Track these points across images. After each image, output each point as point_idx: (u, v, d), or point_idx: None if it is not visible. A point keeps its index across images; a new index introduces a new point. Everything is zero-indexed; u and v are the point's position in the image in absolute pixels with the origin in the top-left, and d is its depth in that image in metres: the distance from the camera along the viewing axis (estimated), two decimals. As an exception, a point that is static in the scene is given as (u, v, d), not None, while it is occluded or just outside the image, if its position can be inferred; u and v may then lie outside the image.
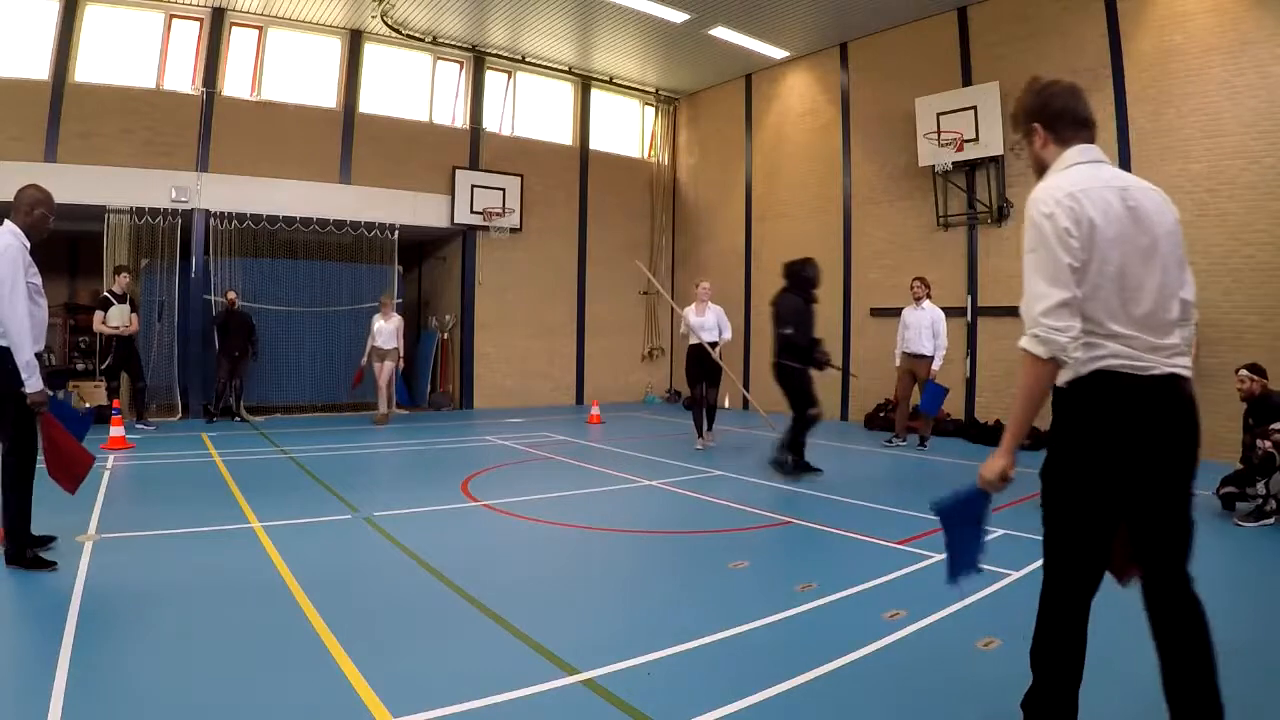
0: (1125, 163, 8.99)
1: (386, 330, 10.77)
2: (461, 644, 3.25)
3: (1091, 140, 2.23)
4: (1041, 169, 2.27)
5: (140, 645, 3.15)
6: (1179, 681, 2.04)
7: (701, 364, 8.71)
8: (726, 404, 14.16)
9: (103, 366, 9.59)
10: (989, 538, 2.59)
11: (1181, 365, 2.09)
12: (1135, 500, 2.10)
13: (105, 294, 9.59)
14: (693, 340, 8.72)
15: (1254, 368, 5.73)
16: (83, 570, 3.99)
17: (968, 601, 3.62)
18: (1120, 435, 2.05)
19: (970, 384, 10.45)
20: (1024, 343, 2.08)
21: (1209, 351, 8.06)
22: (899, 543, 4.86)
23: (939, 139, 10.26)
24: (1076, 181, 2.10)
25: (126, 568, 4.11)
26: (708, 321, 8.75)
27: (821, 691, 2.79)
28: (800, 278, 7.08)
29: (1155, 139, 8.77)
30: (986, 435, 9.48)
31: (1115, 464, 2.06)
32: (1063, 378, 2.11)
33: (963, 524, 2.38)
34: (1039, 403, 2.11)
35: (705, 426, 8.87)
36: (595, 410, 11.78)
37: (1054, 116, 2.22)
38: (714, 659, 3.08)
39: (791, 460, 6.95)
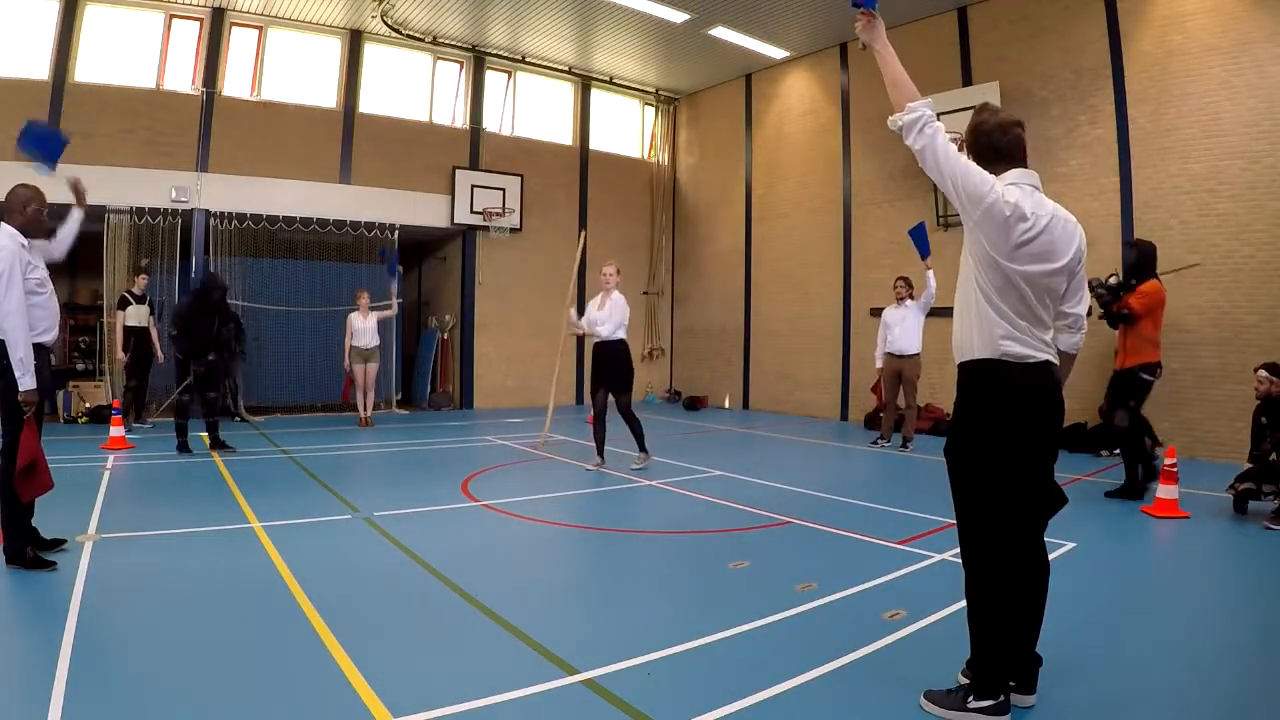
0: (1125, 162, 9.00)
1: (368, 329, 10.61)
2: (461, 644, 3.25)
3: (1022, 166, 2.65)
4: None
5: (140, 645, 3.15)
6: (1031, 618, 2.59)
7: (606, 366, 7.50)
8: (727, 404, 14.18)
9: (125, 364, 9.60)
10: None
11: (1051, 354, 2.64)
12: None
13: (124, 293, 9.66)
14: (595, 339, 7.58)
15: (1273, 368, 5.64)
16: (83, 570, 3.98)
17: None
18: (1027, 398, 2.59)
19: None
20: (916, 117, 2.69)
21: (1210, 352, 8.07)
22: (899, 543, 4.86)
23: (939, 139, 10.24)
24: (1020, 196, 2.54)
25: (126, 568, 4.10)
26: (602, 316, 7.43)
27: (821, 691, 2.79)
28: (206, 288, 8.01)
29: (1155, 139, 8.77)
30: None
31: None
32: (983, 354, 2.59)
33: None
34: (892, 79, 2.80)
35: (638, 446, 7.69)
36: (595, 410, 11.75)
37: (979, 151, 2.66)
38: (714, 659, 3.08)
39: (178, 442, 7.92)
